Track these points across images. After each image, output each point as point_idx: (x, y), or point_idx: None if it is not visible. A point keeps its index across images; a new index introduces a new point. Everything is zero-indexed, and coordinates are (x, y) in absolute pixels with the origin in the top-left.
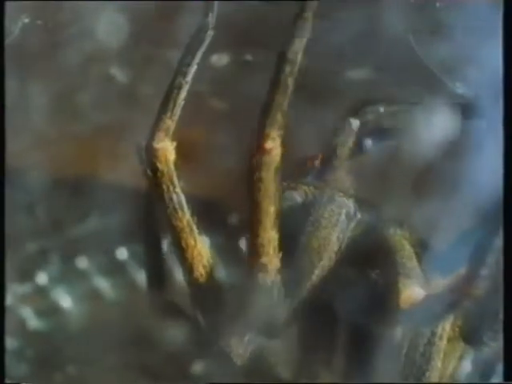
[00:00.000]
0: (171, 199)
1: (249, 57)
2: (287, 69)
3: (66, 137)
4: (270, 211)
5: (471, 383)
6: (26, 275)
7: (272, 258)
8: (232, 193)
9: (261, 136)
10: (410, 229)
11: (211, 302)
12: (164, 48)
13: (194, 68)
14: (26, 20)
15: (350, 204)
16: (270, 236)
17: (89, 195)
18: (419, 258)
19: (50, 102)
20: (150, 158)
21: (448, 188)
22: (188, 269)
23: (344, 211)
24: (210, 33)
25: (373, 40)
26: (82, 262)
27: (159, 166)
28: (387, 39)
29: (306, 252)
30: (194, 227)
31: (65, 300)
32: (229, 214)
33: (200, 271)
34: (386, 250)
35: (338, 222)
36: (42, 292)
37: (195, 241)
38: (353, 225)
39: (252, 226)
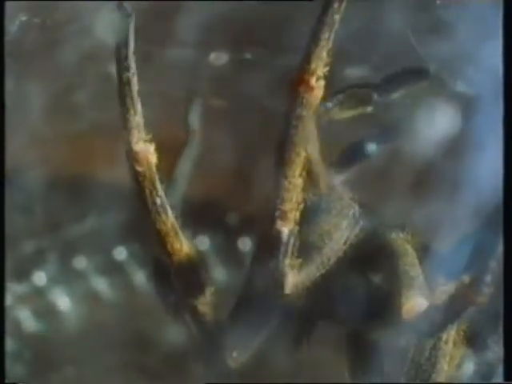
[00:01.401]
0: (154, 203)
1: (248, 55)
2: (335, 4)
3: (63, 136)
4: (301, 154)
5: (472, 383)
6: (23, 275)
7: (293, 207)
8: (231, 192)
9: (306, 71)
10: (412, 232)
11: (203, 307)
12: (162, 46)
13: (133, 58)
14: (24, 18)
15: (356, 207)
16: (297, 183)
17: (87, 194)
18: (422, 262)
19: (47, 101)
20: (131, 161)
21: (449, 189)
22: (176, 273)
23: (352, 210)
24: (132, 17)
25: (372, 38)
26: (80, 262)
27: (141, 169)
28: (387, 37)
29: (315, 231)
30: (180, 231)
31: (62, 300)
32: (227, 213)
33: (189, 275)
34: (389, 255)
35: (347, 216)
36: (39, 292)
37: (181, 244)
38: (357, 229)
39: (282, 167)
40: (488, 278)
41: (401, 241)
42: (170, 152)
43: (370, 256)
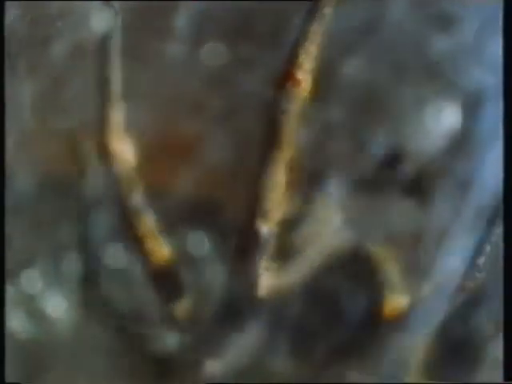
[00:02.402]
0: (131, 203)
1: (245, 53)
2: None
3: (53, 134)
4: (286, 151)
5: (471, 383)
6: (12, 277)
7: (274, 206)
8: (226, 190)
9: (293, 65)
10: (396, 243)
11: (179, 312)
12: (155, 43)
13: (116, 55)
14: (16, 13)
15: (341, 214)
16: (279, 181)
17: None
18: (407, 268)
19: (38, 97)
20: (106, 161)
21: (452, 188)
22: (153, 274)
23: (337, 217)
24: (119, 17)
25: (372, 29)
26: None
27: (117, 169)
28: (388, 29)
29: (299, 236)
30: (157, 232)
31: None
32: (223, 212)
33: (166, 279)
34: (372, 264)
35: (331, 223)
36: (28, 295)
37: (159, 247)
38: (341, 236)
39: (265, 163)
40: (481, 262)
41: (384, 253)
42: (161, 154)
43: (353, 263)
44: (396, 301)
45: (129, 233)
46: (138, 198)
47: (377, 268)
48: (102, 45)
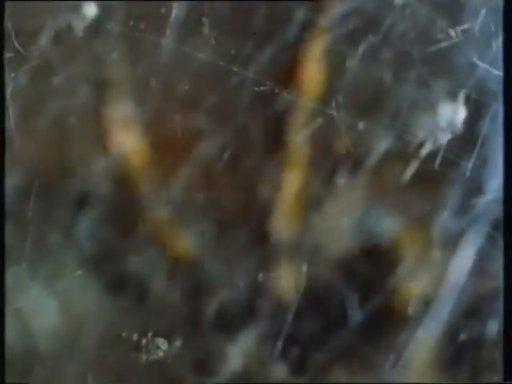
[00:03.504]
0: (144, 196)
1: (237, 52)
2: None
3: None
4: (295, 143)
5: (471, 383)
6: None
7: (288, 202)
8: (226, 189)
9: (300, 57)
10: (417, 227)
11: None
12: (149, 36)
13: (113, 49)
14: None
15: (359, 205)
16: (291, 177)
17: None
18: (427, 256)
19: (23, 94)
20: (116, 159)
21: (454, 186)
22: (170, 266)
23: (354, 209)
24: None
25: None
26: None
27: (125, 163)
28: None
29: (315, 230)
30: (173, 223)
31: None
32: (219, 209)
33: (184, 267)
34: (393, 250)
35: (349, 215)
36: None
37: (176, 236)
38: (359, 228)
39: (268, 162)
40: (492, 267)
41: (404, 236)
42: (166, 150)
43: (374, 252)
44: (405, 300)
45: (146, 226)
46: (151, 193)
47: (384, 267)
48: (95, 39)
